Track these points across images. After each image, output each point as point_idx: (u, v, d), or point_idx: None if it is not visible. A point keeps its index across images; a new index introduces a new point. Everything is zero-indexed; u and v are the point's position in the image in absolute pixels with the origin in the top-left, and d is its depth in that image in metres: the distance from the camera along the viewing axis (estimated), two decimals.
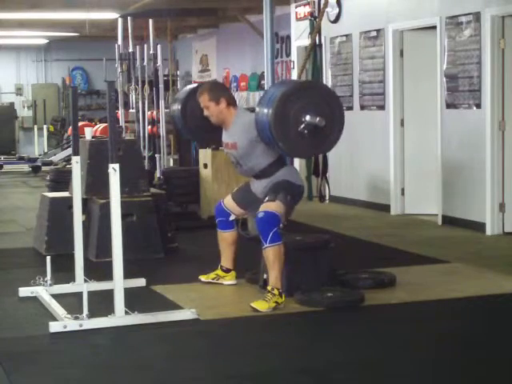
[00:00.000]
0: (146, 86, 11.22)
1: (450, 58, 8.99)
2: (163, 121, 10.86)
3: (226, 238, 6.35)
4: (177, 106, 6.48)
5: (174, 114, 6.52)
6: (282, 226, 6.10)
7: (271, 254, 5.73)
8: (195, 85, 6.58)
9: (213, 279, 6.41)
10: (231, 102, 6.04)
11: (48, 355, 4.89)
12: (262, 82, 13.35)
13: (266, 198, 5.87)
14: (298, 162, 12.04)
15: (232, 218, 6.29)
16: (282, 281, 5.76)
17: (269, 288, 5.73)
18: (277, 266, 5.73)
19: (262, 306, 5.62)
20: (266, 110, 5.67)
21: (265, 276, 6.00)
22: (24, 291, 6.17)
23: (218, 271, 6.43)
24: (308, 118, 5.62)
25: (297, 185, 6.03)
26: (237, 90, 15.97)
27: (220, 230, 6.37)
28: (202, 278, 6.45)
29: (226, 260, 6.40)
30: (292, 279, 5.99)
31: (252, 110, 6.22)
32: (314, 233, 8.10)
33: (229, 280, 6.40)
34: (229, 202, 6.32)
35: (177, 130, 6.72)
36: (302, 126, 5.62)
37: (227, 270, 6.41)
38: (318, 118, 5.62)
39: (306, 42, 11.23)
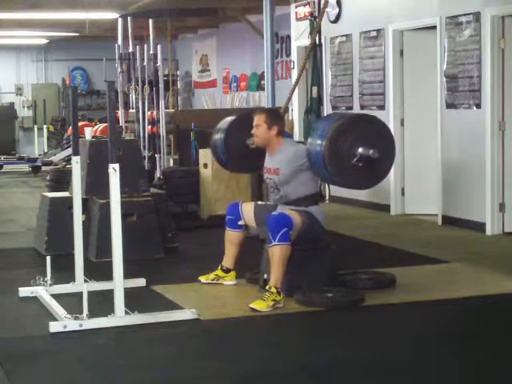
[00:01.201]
0: (146, 85, 11.22)
1: (450, 58, 8.99)
2: (163, 121, 10.86)
3: (232, 238, 6.35)
4: (219, 136, 6.56)
5: (217, 143, 6.58)
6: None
7: (278, 252, 5.75)
8: (236, 115, 6.67)
9: (212, 280, 6.41)
10: (281, 132, 6.17)
11: (48, 355, 4.89)
12: (262, 82, 13.36)
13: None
14: None
15: (241, 222, 6.30)
16: (282, 281, 5.76)
17: (267, 287, 5.74)
18: (281, 266, 5.75)
19: (261, 305, 5.62)
20: (319, 144, 5.76)
21: (265, 276, 6.01)
22: (24, 291, 6.16)
23: (218, 271, 6.43)
24: (361, 150, 5.72)
25: (319, 223, 6.08)
26: (237, 90, 15.98)
27: (228, 229, 6.36)
28: (202, 279, 6.45)
29: (228, 260, 6.40)
30: (292, 279, 5.99)
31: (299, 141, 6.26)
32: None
33: (229, 280, 6.40)
34: (247, 208, 6.32)
35: (216, 157, 6.76)
36: (356, 159, 5.72)
37: (227, 270, 6.40)
38: (371, 151, 5.72)
39: (306, 42, 11.23)
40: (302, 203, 6.03)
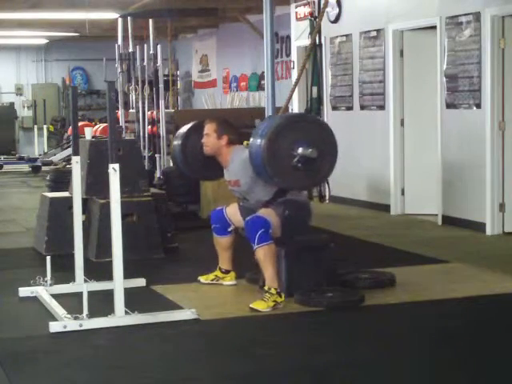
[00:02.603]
0: (146, 85, 11.22)
1: (449, 58, 9.00)
2: (163, 121, 10.86)
3: (221, 243, 6.36)
4: (177, 142, 6.55)
5: (175, 149, 6.57)
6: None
7: (261, 254, 5.74)
8: (195, 122, 6.64)
9: (212, 280, 6.42)
10: (232, 142, 6.15)
11: (48, 355, 4.89)
12: (262, 82, 13.36)
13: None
14: None
15: (230, 228, 6.29)
16: (278, 279, 5.76)
17: (266, 288, 5.73)
18: (269, 266, 5.73)
19: (262, 305, 5.63)
20: (259, 145, 5.72)
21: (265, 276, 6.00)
22: (24, 291, 6.17)
23: (217, 272, 6.44)
24: (300, 150, 5.69)
25: (300, 201, 6.07)
26: (237, 90, 15.97)
27: (216, 235, 6.36)
28: (202, 279, 6.45)
29: (224, 262, 6.42)
30: (292, 279, 5.99)
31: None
32: (314, 233, 8.10)
33: (229, 280, 6.41)
34: (232, 211, 6.30)
35: (174, 164, 6.76)
36: (296, 160, 5.69)
37: (226, 271, 6.42)
38: (310, 150, 5.69)
39: (306, 42, 11.23)
40: (275, 200, 5.98)
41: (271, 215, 5.85)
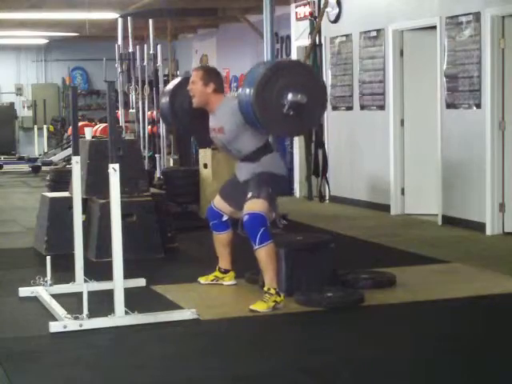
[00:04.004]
0: (146, 85, 11.22)
1: (449, 58, 8.99)
2: None
3: (221, 240, 6.33)
4: (165, 98, 6.45)
5: (163, 107, 6.49)
6: (282, 226, 6.11)
7: (263, 254, 5.72)
8: (183, 77, 6.56)
9: (212, 281, 6.41)
10: (219, 89, 6.04)
11: (48, 355, 4.89)
12: None
13: (249, 195, 5.82)
14: (297, 163, 12.06)
15: (225, 218, 6.26)
16: (277, 280, 5.75)
17: (265, 289, 5.72)
18: (270, 266, 5.72)
19: (262, 306, 5.62)
20: (248, 94, 5.62)
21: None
22: (24, 291, 6.16)
23: (217, 273, 6.43)
24: (290, 97, 5.59)
25: (279, 175, 5.99)
26: (237, 90, 15.97)
27: (215, 232, 6.33)
28: (201, 280, 6.44)
29: (224, 261, 6.40)
30: (292, 279, 5.99)
31: None
32: (314, 233, 8.10)
33: (228, 280, 6.40)
34: (218, 202, 6.28)
35: (165, 122, 6.69)
36: (287, 107, 5.61)
37: (226, 271, 6.40)
38: (299, 95, 5.60)
39: (306, 42, 11.25)
40: (255, 157, 5.93)
41: (263, 206, 5.77)
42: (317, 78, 5.82)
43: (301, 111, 5.64)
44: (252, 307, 5.62)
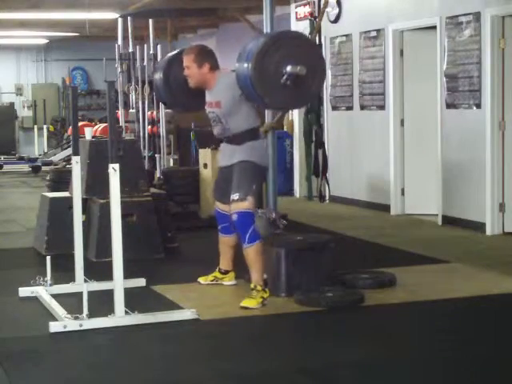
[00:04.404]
0: (146, 85, 11.21)
1: (449, 58, 8.99)
2: (163, 121, 10.86)
3: (226, 242, 6.34)
4: (159, 74, 6.40)
5: (157, 83, 6.43)
6: (282, 226, 6.12)
7: (251, 253, 5.80)
8: (176, 51, 6.51)
9: (211, 281, 6.42)
10: (214, 67, 6.04)
11: (48, 355, 4.89)
12: None
13: (236, 196, 5.82)
14: (297, 163, 12.05)
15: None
16: (263, 276, 5.81)
17: (252, 286, 5.78)
18: (257, 264, 5.80)
19: (251, 303, 5.69)
20: (245, 66, 5.60)
21: (265, 276, 6.00)
22: (24, 291, 6.16)
23: (216, 273, 6.43)
24: (289, 68, 5.57)
25: (262, 167, 6.00)
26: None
27: (222, 235, 6.34)
28: (201, 280, 6.45)
29: (225, 262, 6.41)
30: (292, 279, 5.99)
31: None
32: (314, 233, 8.11)
33: (228, 281, 6.41)
34: (219, 205, 6.31)
35: (159, 98, 6.64)
36: (285, 78, 5.58)
37: (226, 272, 6.41)
38: (298, 67, 5.57)
39: None
40: (242, 139, 5.92)
41: (250, 203, 5.81)
42: (317, 51, 5.79)
43: (299, 83, 5.62)
44: (243, 304, 5.68)
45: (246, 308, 5.65)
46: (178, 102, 6.53)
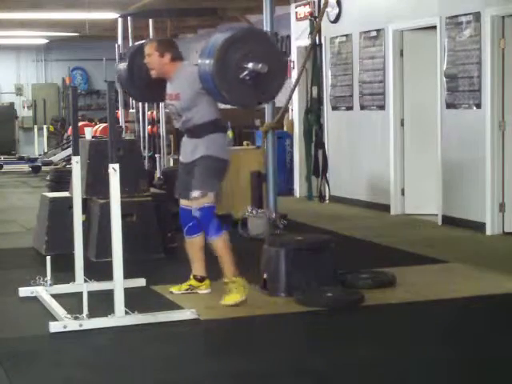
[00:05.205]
0: None
1: (449, 58, 8.99)
2: (163, 121, 10.86)
3: (195, 243, 6.12)
4: (123, 64, 6.39)
5: (121, 72, 6.41)
6: (282, 226, 6.12)
7: (219, 244, 5.81)
8: (140, 43, 6.46)
9: (186, 290, 6.17)
10: (176, 58, 5.99)
11: (48, 355, 4.89)
12: None
13: (196, 193, 5.79)
14: (297, 163, 12.05)
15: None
16: (234, 266, 5.82)
17: (226, 280, 5.78)
18: (226, 255, 5.81)
19: (235, 298, 5.69)
20: (207, 60, 5.62)
21: (265, 276, 6.00)
22: (24, 291, 6.16)
23: (192, 281, 6.19)
24: (251, 65, 5.58)
25: (220, 159, 5.89)
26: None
27: (189, 237, 6.11)
28: (174, 290, 6.18)
29: (199, 267, 6.19)
30: (292, 279, 5.99)
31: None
32: (314, 233, 8.11)
33: (204, 289, 6.18)
34: (182, 201, 6.11)
35: (122, 87, 6.62)
36: (245, 73, 5.59)
37: (201, 279, 6.19)
38: (260, 65, 5.58)
39: (306, 42, 11.24)
40: (202, 131, 5.86)
41: (209, 198, 5.79)
42: (280, 52, 5.82)
43: (259, 82, 5.64)
44: (225, 302, 5.68)
45: (230, 306, 5.63)
46: (139, 92, 6.51)
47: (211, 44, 5.69)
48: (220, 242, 5.82)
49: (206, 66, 5.62)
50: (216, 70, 5.57)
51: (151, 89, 6.27)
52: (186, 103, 5.88)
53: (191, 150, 5.93)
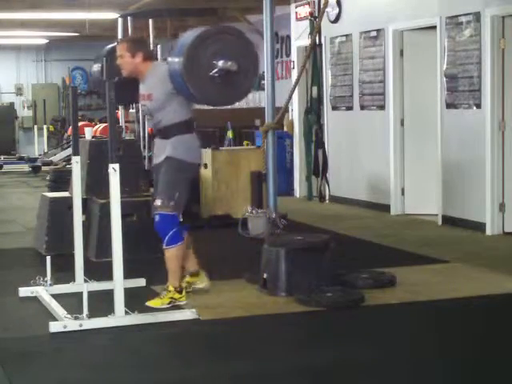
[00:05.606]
0: None
1: (449, 58, 8.99)
2: None
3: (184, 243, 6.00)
4: (97, 67, 6.36)
5: (94, 73, 6.40)
6: (282, 226, 6.10)
7: (172, 255, 5.77)
8: (113, 45, 6.47)
9: (186, 288, 6.01)
10: (148, 57, 5.95)
11: (48, 355, 4.89)
12: (262, 82, 13.36)
13: (159, 202, 5.74)
14: (297, 163, 12.05)
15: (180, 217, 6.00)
16: (179, 279, 5.80)
17: (165, 286, 5.77)
18: (174, 266, 5.78)
19: (156, 303, 5.68)
20: (177, 57, 5.60)
21: (265, 276, 6.00)
22: (24, 291, 6.17)
23: (188, 278, 6.11)
24: (221, 63, 5.59)
25: (185, 162, 5.81)
26: None
27: (181, 242, 5.94)
28: (151, 304, 5.78)
29: (190, 262, 6.13)
30: (292, 279, 5.99)
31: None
32: (314, 233, 8.10)
33: (201, 283, 6.13)
34: None
35: (96, 89, 6.58)
36: (214, 71, 5.58)
37: (196, 272, 6.13)
38: (229, 63, 5.59)
39: (306, 42, 11.23)
40: (172, 132, 5.81)
41: (173, 207, 5.74)
42: (253, 50, 5.82)
43: (230, 80, 5.64)
44: (148, 304, 5.67)
45: (149, 307, 5.61)
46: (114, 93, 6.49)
47: (182, 41, 5.68)
48: (170, 254, 5.77)
49: (176, 63, 5.61)
50: (185, 66, 5.55)
51: (125, 90, 6.16)
52: (158, 103, 5.83)
53: (161, 151, 5.89)
